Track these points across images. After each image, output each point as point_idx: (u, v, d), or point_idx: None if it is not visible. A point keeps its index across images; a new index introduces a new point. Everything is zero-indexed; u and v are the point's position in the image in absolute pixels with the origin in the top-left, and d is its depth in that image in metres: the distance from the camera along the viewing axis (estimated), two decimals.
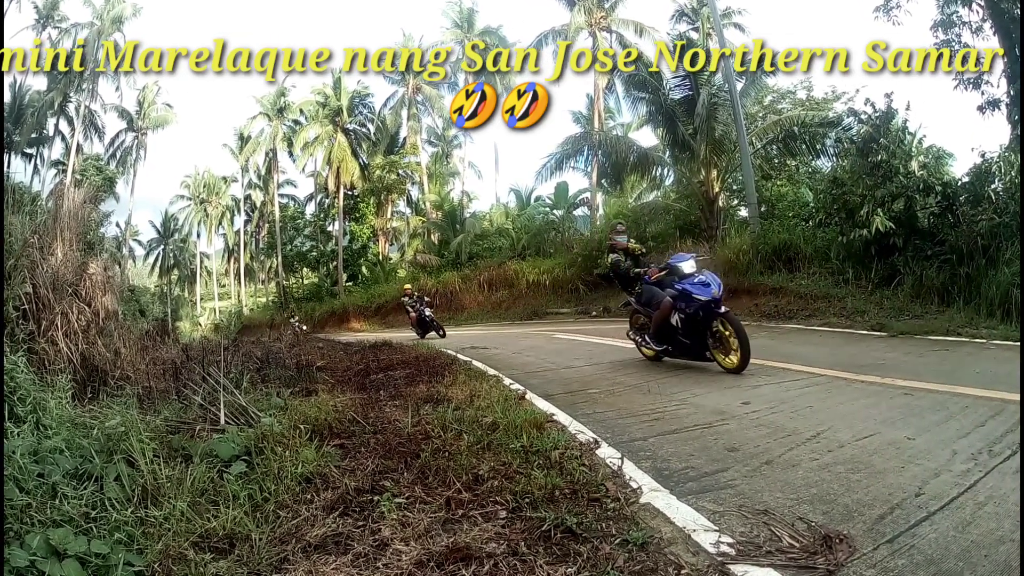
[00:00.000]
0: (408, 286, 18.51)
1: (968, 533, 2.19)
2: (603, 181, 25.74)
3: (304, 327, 21.84)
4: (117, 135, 39.48)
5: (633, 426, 4.07)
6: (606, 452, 3.44)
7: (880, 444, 3.27)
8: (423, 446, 3.50)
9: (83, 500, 2.59)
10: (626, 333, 7.10)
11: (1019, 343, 6.24)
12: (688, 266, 5.97)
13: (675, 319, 5.92)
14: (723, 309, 5.63)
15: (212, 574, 2.15)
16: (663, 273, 6.27)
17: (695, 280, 5.83)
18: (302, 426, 3.76)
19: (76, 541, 2.17)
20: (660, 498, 2.72)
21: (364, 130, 38.73)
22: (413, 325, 16.34)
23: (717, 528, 2.39)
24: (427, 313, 15.64)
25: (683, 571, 2.08)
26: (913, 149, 10.44)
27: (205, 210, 49.56)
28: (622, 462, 3.21)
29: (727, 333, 5.60)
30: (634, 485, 2.89)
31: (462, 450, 3.35)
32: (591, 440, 3.66)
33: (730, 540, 2.27)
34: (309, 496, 2.87)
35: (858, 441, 3.35)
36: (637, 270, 6.73)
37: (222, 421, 3.85)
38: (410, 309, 16.53)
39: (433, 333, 15.28)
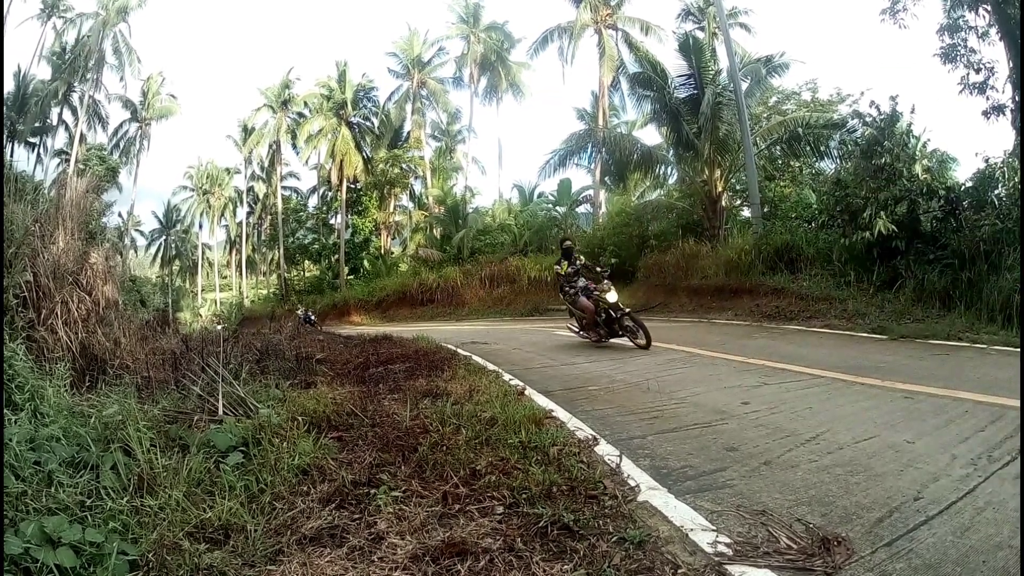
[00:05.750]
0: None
1: (967, 538, 2.18)
2: (606, 178, 25.69)
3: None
4: (121, 125, 39.68)
5: (632, 424, 4.06)
6: (604, 449, 3.43)
7: (879, 447, 3.26)
8: (421, 440, 3.49)
9: (79, 488, 2.59)
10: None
11: (1019, 348, 6.21)
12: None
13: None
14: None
15: (206, 564, 2.14)
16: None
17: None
18: (300, 418, 3.76)
19: (71, 529, 2.16)
20: (658, 496, 2.72)
21: (368, 124, 38.72)
22: (581, 318, 8.61)
23: (715, 528, 2.38)
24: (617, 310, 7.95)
25: (680, 570, 2.07)
26: (917, 153, 10.39)
27: (208, 201, 49.61)
28: (620, 460, 3.20)
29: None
30: (632, 483, 2.88)
31: (460, 445, 3.35)
32: (589, 437, 3.65)
33: (727, 540, 2.26)
34: (305, 488, 2.86)
35: (857, 443, 3.34)
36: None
37: (220, 412, 3.85)
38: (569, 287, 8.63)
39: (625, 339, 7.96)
